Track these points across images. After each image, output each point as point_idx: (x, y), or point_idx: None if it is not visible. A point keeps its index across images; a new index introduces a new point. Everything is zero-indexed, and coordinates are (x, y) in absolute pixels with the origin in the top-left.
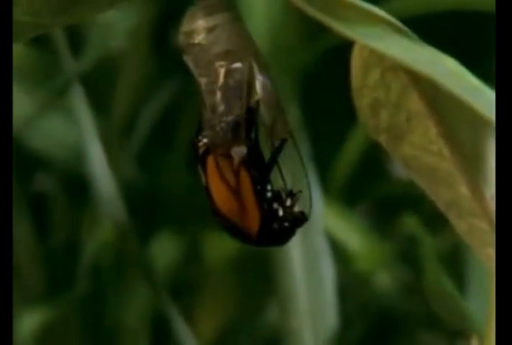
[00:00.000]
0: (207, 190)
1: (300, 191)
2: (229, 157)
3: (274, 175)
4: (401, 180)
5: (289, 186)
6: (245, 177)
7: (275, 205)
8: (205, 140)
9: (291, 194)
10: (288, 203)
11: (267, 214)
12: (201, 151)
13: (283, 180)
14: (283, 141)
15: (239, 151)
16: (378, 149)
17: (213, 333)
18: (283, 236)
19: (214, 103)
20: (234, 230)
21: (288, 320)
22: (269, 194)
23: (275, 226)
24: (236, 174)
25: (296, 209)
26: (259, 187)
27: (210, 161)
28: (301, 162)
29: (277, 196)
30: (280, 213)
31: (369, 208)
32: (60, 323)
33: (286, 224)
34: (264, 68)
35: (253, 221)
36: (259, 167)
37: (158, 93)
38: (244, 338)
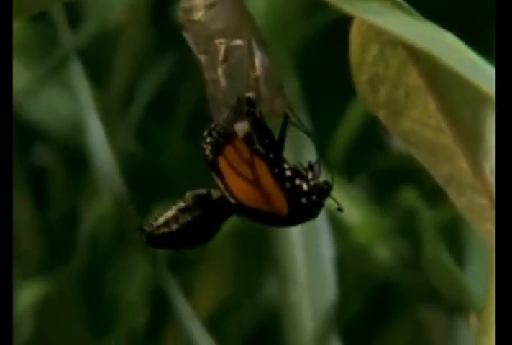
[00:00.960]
0: (229, 193)
1: (319, 162)
2: (230, 140)
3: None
4: (400, 153)
5: (301, 161)
6: (260, 165)
7: (298, 181)
8: (209, 146)
9: (311, 167)
10: (310, 176)
11: (292, 192)
12: (210, 156)
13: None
14: (286, 117)
15: (242, 126)
16: (377, 123)
17: (212, 307)
18: (313, 209)
19: (216, 78)
20: (263, 217)
21: (286, 293)
22: (288, 172)
23: (303, 201)
24: (251, 164)
25: (319, 180)
26: (276, 170)
27: (221, 162)
28: (306, 135)
29: (296, 172)
30: (305, 187)
31: (368, 182)
32: (59, 296)
33: (314, 197)
34: (262, 45)
35: (280, 203)
36: (270, 144)
37: (157, 66)
38: (244, 312)
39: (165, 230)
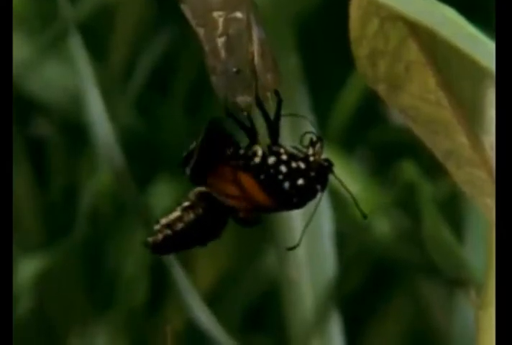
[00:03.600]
0: (222, 201)
1: (321, 138)
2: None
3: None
4: (400, 127)
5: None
6: (246, 179)
7: (294, 164)
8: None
9: (312, 143)
10: (310, 152)
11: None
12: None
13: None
14: (278, 95)
15: (244, 99)
16: (377, 96)
17: (212, 282)
18: (313, 186)
19: (216, 50)
20: (266, 210)
21: (286, 268)
22: (284, 156)
23: (300, 182)
24: (237, 183)
25: (320, 157)
26: (263, 176)
27: (206, 187)
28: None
29: (292, 155)
30: (302, 166)
31: (367, 155)
32: (59, 271)
33: (312, 174)
34: (259, 19)
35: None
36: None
37: (157, 39)
38: (243, 287)
39: (168, 232)
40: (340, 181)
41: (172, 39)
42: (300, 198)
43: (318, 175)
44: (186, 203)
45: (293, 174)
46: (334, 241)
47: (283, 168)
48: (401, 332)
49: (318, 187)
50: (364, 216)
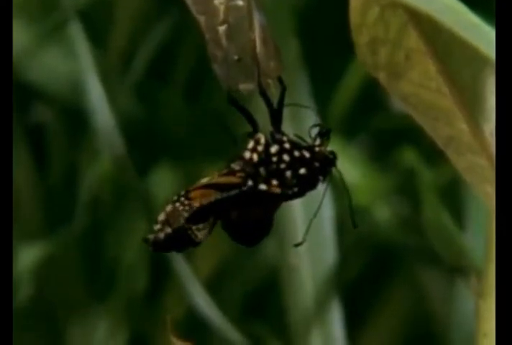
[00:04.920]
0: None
1: (329, 130)
2: None
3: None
4: (401, 113)
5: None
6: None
7: (297, 153)
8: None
9: (320, 134)
10: (317, 142)
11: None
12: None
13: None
14: (281, 83)
15: (246, 87)
16: (378, 84)
17: (212, 269)
18: (316, 176)
19: (217, 38)
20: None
21: (286, 255)
22: (286, 145)
23: (302, 171)
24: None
25: (325, 148)
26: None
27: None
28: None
29: (295, 144)
30: (307, 155)
31: (368, 142)
32: (59, 259)
33: (316, 164)
34: (260, 7)
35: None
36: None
37: (157, 26)
38: (244, 274)
39: (168, 230)
40: (340, 174)
41: (172, 26)
42: (300, 188)
43: (322, 166)
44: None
45: (295, 163)
46: (334, 228)
47: (286, 157)
48: (401, 319)
49: (320, 178)
50: (355, 226)
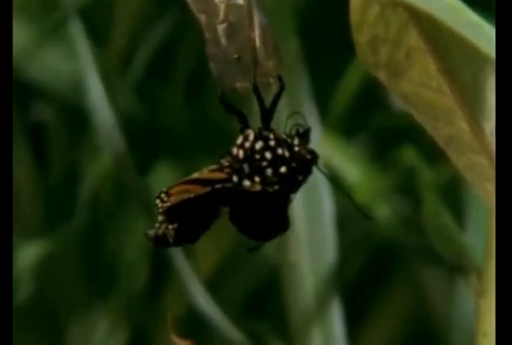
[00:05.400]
0: None
1: (309, 129)
2: None
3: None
4: (401, 112)
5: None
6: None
7: (280, 151)
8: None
9: (298, 133)
10: (296, 142)
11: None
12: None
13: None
14: (280, 81)
15: (243, 86)
16: (378, 82)
17: (212, 266)
18: (295, 176)
19: (216, 37)
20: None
21: (287, 253)
22: (272, 142)
23: (283, 170)
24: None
25: (305, 148)
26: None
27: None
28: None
29: (280, 142)
30: (287, 154)
31: (368, 141)
32: (59, 256)
33: (293, 164)
34: (260, 6)
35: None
36: (261, 106)
37: (157, 24)
38: (244, 271)
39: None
40: (325, 174)
41: (172, 25)
42: (281, 186)
43: (300, 166)
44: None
45: (277, 161)
46: (335, 226)
47: (268, 154)
48: (401, 318)
49: (300, 177)
50: (368, 218)
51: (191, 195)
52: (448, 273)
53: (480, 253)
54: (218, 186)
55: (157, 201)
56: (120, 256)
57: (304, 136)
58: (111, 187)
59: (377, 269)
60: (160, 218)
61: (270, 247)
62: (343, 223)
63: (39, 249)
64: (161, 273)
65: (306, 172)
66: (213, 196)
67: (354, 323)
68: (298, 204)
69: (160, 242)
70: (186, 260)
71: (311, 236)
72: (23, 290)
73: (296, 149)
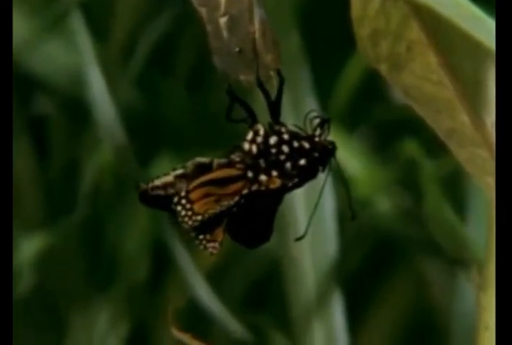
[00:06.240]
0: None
1: (329, 119)
2: None
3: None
4: (402, 104)
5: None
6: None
7: (296, 144)
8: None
9: (321, 123)
10: (318, 132)
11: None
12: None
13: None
14: (280, 75)
15: (246, 78)
16: (379, 75)
17: (213, 261)
18: (315, 166)
19: (217, 30)
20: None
21: (287, 246)
22: (285, 136)
23: (302, 162)
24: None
25: (326, 138)
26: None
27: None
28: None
29: (294, 135)
30: (306, 145)
31: (369, 134)
32: (60, 249)
33: (316, 154)
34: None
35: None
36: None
37: (158, 17)
38: (245, 265)
39: (160, 192)
40: (339, 167)
41: (173, 18)
42: (300, 178)
43: (321, 156)
44: (179, 171)
45: (295, 154)
46: (336, 220)
47: (285, 148)
48: (402, 311)
49: (320, 168)
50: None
51: (223, 208)
52: (449, 266)
53: (481, 246)
54: (245, 192)
55: (179, 208)
56: (120, 249)
57: (324, 126)
58: (111, 180)
59: (378, 262)
60: (188, 228)
61: (271, 241)
62: (344, 216)
63: (39, 242)
64: (162, 266)
65: (326, 161)
66: (242, 202)
67: (355, 316)
68: (298, 197)
69: (147, 201)
70: (187, 253)
71: (312, 230)
72: (24, 282)
73: (317, 139)
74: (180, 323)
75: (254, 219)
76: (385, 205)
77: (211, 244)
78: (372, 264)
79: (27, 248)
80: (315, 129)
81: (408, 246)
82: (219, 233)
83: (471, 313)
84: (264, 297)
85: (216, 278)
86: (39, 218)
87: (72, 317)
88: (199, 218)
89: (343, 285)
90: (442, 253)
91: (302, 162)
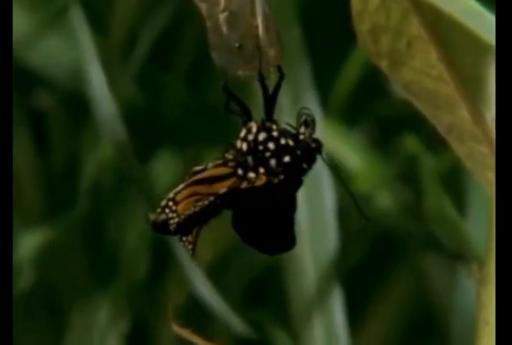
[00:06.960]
0: None
1: (314, 120)
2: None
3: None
4: (402, 100)
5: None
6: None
7: (283, 141)
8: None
9: (305, 122)
10: (302, 130)
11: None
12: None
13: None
14: (280, 71)
15: (245, 74)
16: (380, 71)
17: (213, 257)
18: (300, 164)
19: (217, 26)
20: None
21: None
22: (275, 133)
23: (286, 159)
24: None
25: (310, 136)
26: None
27: None
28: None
29: (283, 132)
30: (291, 143)
31: (369, 128)
32: (60, 244)
33: (298, 152)
34: None
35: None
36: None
37: (158, 13)
38: (245, 261)
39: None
40: (328, 164)
41: (173, 13)
42: (286, 176)
43: (304, 154)
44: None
45: (280, 151)
46: (336, 215)
47: (271, 145)
48: (402, 306)
49: (305, 165)
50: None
51: (197, 209)
52: (449, 261)
53: (481, 241)
54: (222, 191)
55: (167, 211)
56: (121, 245)
57: (309, 125)
58: (112, 175)
59: (378, 257)
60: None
61: None
62: (344, 212)
63: (40, 238)
64: (162, 262)
65: (311, 159)
66: (219, 202)
67: (355, 311)
68: (299, 193)
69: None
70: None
71: (312, 226)
72: (24, 277)
73: (301, 137)
74: (181, 318)
75: (264, 224)
76: (385, 200)
77: (191, 246)
78: (372, 259)
79: (27, 243)
80: (300, 127)
81: (409, 242)
82: (194, 234)
83: (471, 309)
84: (265, 292)
85: (216, 273)
86: (40, 213)
87: (72, 312)
88: (176, 220)
89: (343, 281)
90: (442, 248)
91: (286, 159)
